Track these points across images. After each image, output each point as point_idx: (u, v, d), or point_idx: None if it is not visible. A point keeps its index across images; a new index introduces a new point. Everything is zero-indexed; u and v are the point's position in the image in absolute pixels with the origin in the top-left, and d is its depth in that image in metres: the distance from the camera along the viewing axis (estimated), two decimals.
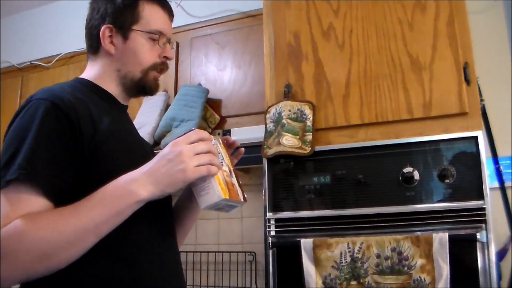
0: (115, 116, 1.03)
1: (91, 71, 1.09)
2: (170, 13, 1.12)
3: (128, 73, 1.06)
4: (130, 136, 1.07)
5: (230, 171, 1.00)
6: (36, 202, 0.83)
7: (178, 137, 0.90)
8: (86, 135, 0.89)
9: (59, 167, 0.86)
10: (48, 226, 0.80)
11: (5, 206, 0.81)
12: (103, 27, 1.05)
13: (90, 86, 1.05)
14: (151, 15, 1.07)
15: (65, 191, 0.87)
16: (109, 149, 0.93)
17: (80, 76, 1.09)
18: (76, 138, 0.88)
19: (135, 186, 0.84)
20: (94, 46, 1.08)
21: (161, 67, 1.10)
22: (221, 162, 0.95)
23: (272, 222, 1.56)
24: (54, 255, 0.80)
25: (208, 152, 0.89)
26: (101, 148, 0.91)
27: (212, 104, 2.15)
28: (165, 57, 1.09)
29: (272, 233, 1.56)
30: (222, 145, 1.03)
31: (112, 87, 1.08)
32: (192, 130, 0.91)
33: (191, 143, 0.88)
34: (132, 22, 1.05)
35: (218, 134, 2.13)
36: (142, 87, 1.09)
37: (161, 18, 1.09)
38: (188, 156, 0.86)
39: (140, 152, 1.05)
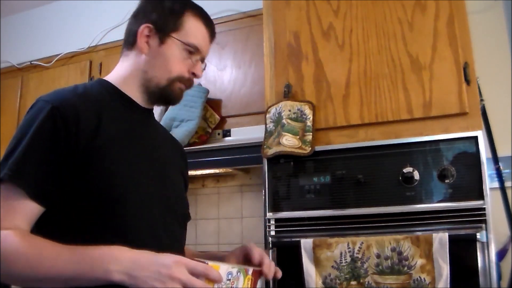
0: (129, 121, 1.02)
1: (118, 70, 1.09)
2: (212, 34, 1.12)
3: (154, 78, 1.05)
4: (142, 142, 1.05)
5: None
6: (23, 204, 0.86)
7: (192, 260, 0.83)
8: (83, 142, 0.91)
9: (49, 171, 0.89)
10: (26, 257, 0.83)
11: None
12: (143, 25, 1.05)
13: (110, 89, 1.05)
14: (192, 29, 1.06)
15: (58, 194, 0.89)
16: (105, 157, 0.93)
17: (107, 76, 1.10)
18: (71, 145, 0.90)
19: (113, 268, 0.81)
20: (130, 41, 1.08)
21: (187, 82, 1.08)
22: None
23: (272, 222, 1.56)
24: (20, 281, 0.86)
25: None
26: (98, 155, 0.92)
27: (212, 104, 2.15)
28: (193, 73, 1.07)
29: (272, 233, 1.56)
30: (248, 275, 0.93)
31: (134, 89, 1.07)
32: (206, 263, 0.83)
33: (193, 273, 0.81)
34: (173, 29, 1.05)
35: (218, 134, 2.13)
36: (167, 95, 1.07)
37: (202, 35, 1.08)
38: (173, 281, 0.79)
39: (148, 160, 1.03)
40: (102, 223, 0.92)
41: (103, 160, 0.92)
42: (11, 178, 0.86)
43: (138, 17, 1.09)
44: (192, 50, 1.06)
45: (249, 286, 0.94)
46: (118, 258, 0.82)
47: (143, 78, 1.06)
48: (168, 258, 0.82)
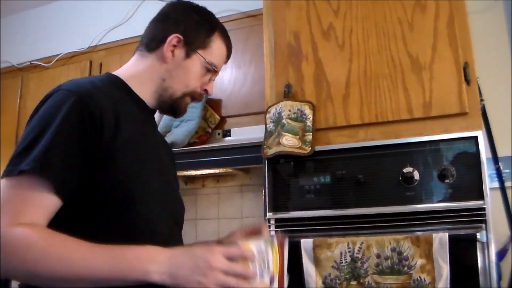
0: (140, 120, 1.02)
1: (132, 69, 1.08)
2: (229, 56, 1.16)
3: (170, 88, 1.06)
4: (150, 143, 1.04)
5: (272, 279, 0.93)
6: (46, 198, 0.82)
7: (224, 247, 0.85)
8: (106, 139, 0.88)
9: (73, 166, 0.85)
10: (57, 256, 0.79)
11: (15, 200, 0.80)
12: (174, 35, 1.05)
13: (121, 85, 1.03)
14: (217, 49, 1.10)
15: (75, 190, 0.87)
16: (125, 156, 0.91)
17: (117, 71, 1.07)
18: (95, 140, 0.87)
19: (152, 268, 0.80)
20: (152, 44, 1.07)
21: (198, 97, 1.11)
22: (262, 274, 0.90)
23: (272, 222, 1.56)
24: (48, 281, 0.80)
25: (240, 275, 0.83)
26: (118, 153, 0.90)
27: (212, 104, 2.15)
28: (205, 90, 1.11)
29: (272, 233, 1.56)
30: (274, 245, 0.96)
31: (146, 92, 1.06)
32: (237, 244, 0.86)
33: (230, 258, 0.84)
34: (201, 46, 1.07)
35: (218, 134, 2.13)
36: (175, 107, 1.09)
37: (222, 56, 1.12)
38: (214, 272, 0.81)
39: (155, 161, 1.03)
40: (114, 222, 0.90)
41: (121, 160, 0.90)
42: (38, 170, 0.81)
43: (166, 23, 1.08)
44: (211, 69, 1.09)
45: (278, 256, 0.96)
46: (156, 258, 0.81)
47: (160, 85, 1.06)
48: (202, 250, 0.83)
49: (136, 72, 1.07)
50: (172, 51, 1.05)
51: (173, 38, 1.05)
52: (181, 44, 1.06)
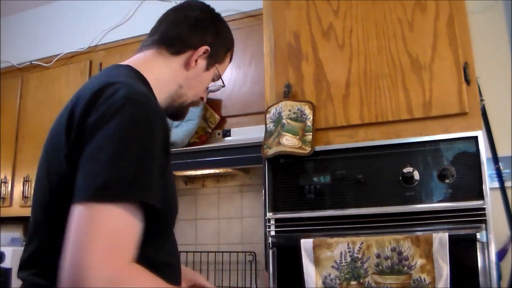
0: None
1: (151, 63, 1.02)
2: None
3: (184, 95, 1.07)
4: None
5: None
6: (139, 227, 0.74)
7: None
8: (168, 153, 0.84)
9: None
10: None
11: (125, 231, 0.71)
12: (205, 47, 1.05)
13: (146, 84, 0.97)
14: (226, 64, 1.15)
15: None
16: (171, 169, 0.88)
17: (136, 64, 0.99)
18: (168, 159, 0.83)
19: None
20: (176, 47, 1.03)
21: (196, 104, 1.15)
22: None
23: (272, 222, 1.56)
24: None
25: None
26: (171, 167, 0.86)
27: (212, 104, 2.15)
28: (201, 97, 1.15)
29: (272, 233, 1.56)
30: None
31: (162, 94, 1.02)
32: None
33: None
34: (219, 61, 1.11)
35: (218, 134, 2.13)
36: (181, 113, 1.12)
37: (226, 69, 1.17)
38: None
39: None
40: (159, 236, 0.87)
41: (171, 173, 0.87)
42: (156, 203, 0.74)
43: (195, 29, 1.05)
44: (216, 80, 1.14)
45: None
46: None
47: (176, 91, 1.05)
48: None
49: (157, 71, 1.01)
50: (196, 60, 1.05)
51: (202, 49, 1.04)
52: (205, 55, 1.06)
